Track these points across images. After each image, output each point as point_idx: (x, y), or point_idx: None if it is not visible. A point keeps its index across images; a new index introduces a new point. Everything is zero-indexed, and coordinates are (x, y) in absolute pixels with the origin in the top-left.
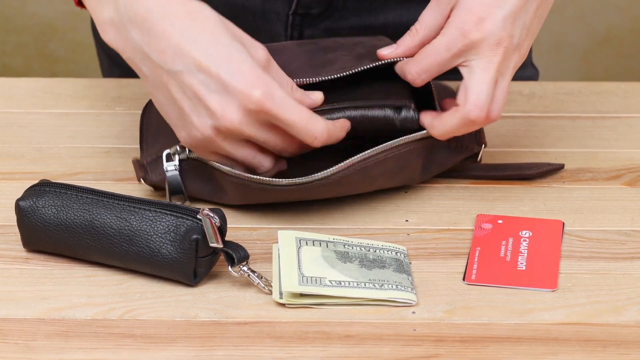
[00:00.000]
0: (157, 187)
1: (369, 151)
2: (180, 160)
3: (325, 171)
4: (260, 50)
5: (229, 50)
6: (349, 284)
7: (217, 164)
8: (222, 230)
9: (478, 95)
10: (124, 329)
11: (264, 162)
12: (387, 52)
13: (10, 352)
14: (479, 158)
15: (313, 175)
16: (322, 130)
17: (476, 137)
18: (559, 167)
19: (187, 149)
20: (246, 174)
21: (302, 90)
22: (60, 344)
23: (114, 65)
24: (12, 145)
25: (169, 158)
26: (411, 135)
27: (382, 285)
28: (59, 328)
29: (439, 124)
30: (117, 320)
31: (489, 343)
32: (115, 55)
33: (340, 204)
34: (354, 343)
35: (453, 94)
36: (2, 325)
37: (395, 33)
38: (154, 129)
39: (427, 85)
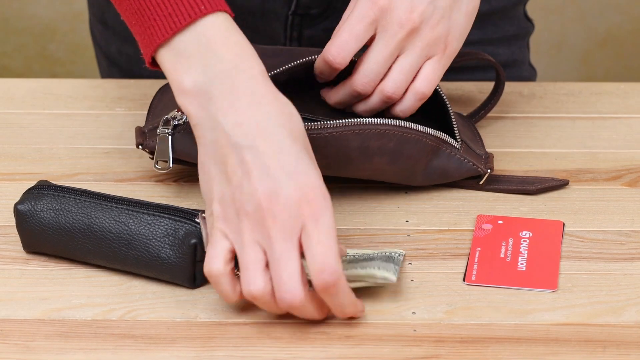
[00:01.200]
0: (154, 153)
1: (369, 118)
2: (175, 126)
3: (322, 122)
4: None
5: (299, 157)
6: None
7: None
8: None
9: (367, 67)
10: (124, 329)
11: (256, 280)
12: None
13: (10, 352)
14: (481, 182)
15: (309, 124)
16: (333, 269)
17: (485, 162)
18: (564, 184)
19: (184, 116)
20: None
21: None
22: (60, 345)
23: (113, 66)
24: (12, 145)
25: (166, 123)
26: (421, 126)
27: (364, 267)
28: (59, 329)
29: (333, 93)
30: (117, 320)
31: (489, 343)
32: (114, 57)
33: (341, 204)
34: (354, 343)
35: (468, 123)
36: (2, 325)
37: None
38: (163, 105)
39: (438, 96)
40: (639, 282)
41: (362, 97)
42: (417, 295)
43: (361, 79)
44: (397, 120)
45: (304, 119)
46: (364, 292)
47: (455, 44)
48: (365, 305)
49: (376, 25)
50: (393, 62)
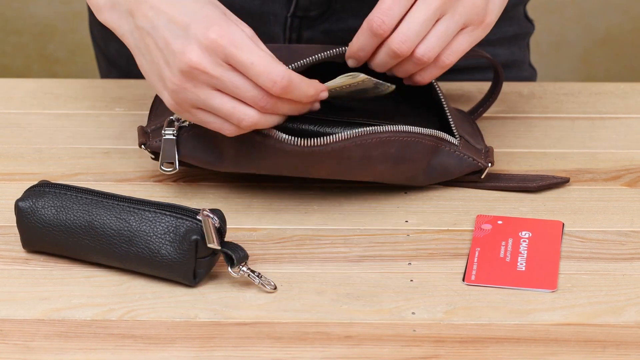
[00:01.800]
0: (157, 154)
1: (372, 127)
2: (180, 127)
3: (325, 137)
4: (245, 25)
5: (202, 7)
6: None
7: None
8: (221, 231)
9: (407, 27)
10: (124, 329)
11: (248, 111)
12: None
13: (10, 352)
14: (483, 176)
15: (313, 139)
16: (282, 74)
17: (485, 156)
18: (564, 181)
19: None
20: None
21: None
22: (60, 345)
23: (112, 67)
24: (12, 145)
25: (171, 124)
26: (418, 127)
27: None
28: (58, 329)
29: (372, 56)
30: (117, 320)
31: (489, 344)
32: (113, 57)
33: (340, 204)
34: (353, 343)
35: (467, 118)
36: (1, 325)
37: None
38: (164, 105)
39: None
40: (639, 282)
41: (400, 57)
42: (416, 295)
43: (400, 38)
44: (397, 126)
45: (307, 124)
46: (363, 291)
47: (493, 16)
48: (366, 305)
49: None
50: (432, 26)
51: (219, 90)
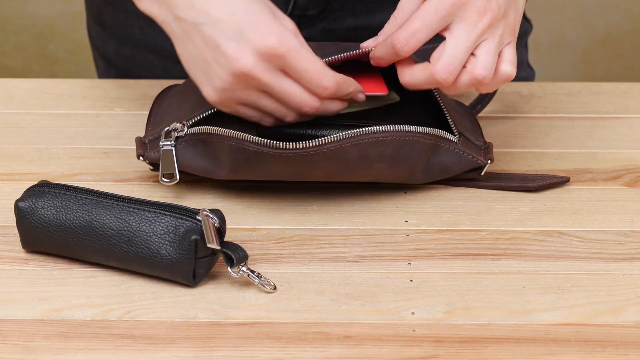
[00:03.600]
0: (155, 165)
1: (368, 128)
2: (177, 137)
3: (320, 139)
4: (289, 21)
5: (250, 6)
6: None
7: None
8: (221, 231)
9: (450, 58)
10: (123, 329)
11: (289, 113)
12: (369, 42)
13: (10, 352)
14: (482, 172)
15: (308, 142)
16: (332, 79)
17: (484, 152)
18: (564, 180)
19: (186, 127)
20: (244, 134)
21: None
22: (60, 345)
23: (110, 68)
24: (12, 145)
25: (168, 135)
26: (416, 126)
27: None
28: (58, 329)
29: (408, 73)
30: (117, 321)
31: (489, 344)
32: (111, 58)
33: (340, 204)
34: (353, 344)
35: (467, 112)
36: (1, 326)
37: None
38: (162, 112)
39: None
40: (638, 282)
41: (441, 85)
42: (416, 295)
43: (446, 67)
44: (393, 126)
45: (305, 128)
46: (363, 291)
47: (518, 29)
48: (366, 305)
49: (450, 19)
50: (474, 50)
51: (267, 92)
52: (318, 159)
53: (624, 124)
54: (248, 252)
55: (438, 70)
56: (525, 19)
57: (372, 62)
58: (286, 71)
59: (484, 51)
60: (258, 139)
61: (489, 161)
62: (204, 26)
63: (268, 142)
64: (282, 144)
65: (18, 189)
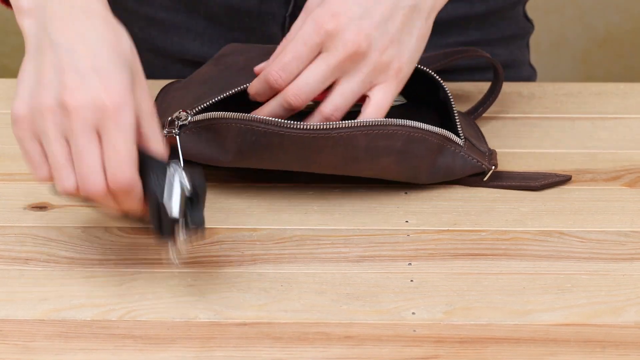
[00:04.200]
0: None
1: (379, 119)
2: (181, 126)
3: (331, 123)
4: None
5: (110, 55)
6: None
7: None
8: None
9: (302, 79)
10: (124, 329)
11: (68, 177)
12: (260, 66)
13: (10, 353)
14: (485, 178)
15: (318, 124)
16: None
17: (489, 158)
18: (566, 179)
19: (190, 115)
20: (253, 115)
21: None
22: (60, 345)
23: None
24: (12, 146)
25: (172, 124)
26: (425, 124)
27: None
28: (58, 329)
29: (265, 105)
30: (117, 321)
31: (489, 344)
32: None
33: (341, 204)
34: (353, 344)
35: (470, 121)
36: (1, 326)
37: None
38: (166, 104)
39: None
40: (639, 282)
41: (294, 109)
42: (416, 295)
43: (294, 90)
44: (405, 121)
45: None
46: (363, 291)
47: (406, 69)
48: (366, 305)
49: (319, 49)
50: (334, 84)
51: (67, 142)
52: (327, 143)
53: (624, 124)
54: (248, 252)
55: (287, 91)
56: (526, 19)
57: (250, 98)
58: (100, 133)
59: (338, 88)
60: (267, 119)
61: (494, 167)
62: (60, 48)
63: (278, 122)
64: (293, 123)
65: (18, 189)
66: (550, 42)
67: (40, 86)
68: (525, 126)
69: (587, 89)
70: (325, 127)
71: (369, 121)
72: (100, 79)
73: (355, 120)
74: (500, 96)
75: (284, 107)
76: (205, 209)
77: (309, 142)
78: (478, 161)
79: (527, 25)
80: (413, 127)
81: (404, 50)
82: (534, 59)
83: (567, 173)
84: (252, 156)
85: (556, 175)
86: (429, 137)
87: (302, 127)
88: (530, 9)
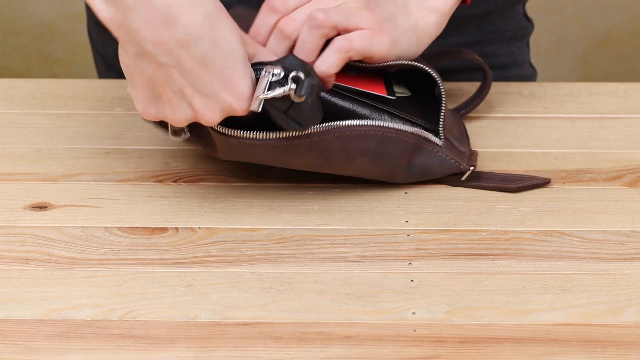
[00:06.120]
0: (163, 124)
1: (349, 121)
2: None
3: (302, 128)
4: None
5: (225, 58)
6: None
7: None
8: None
9: (298, 12)
10: (124, 329)
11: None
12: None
13: (10, 353)
14: (463, 178)
15: (291, 132)
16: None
17: (468, 159)
18: (545, 182)
19: None
20: (223, 127)
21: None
22: (60, 345)
23: (110, 69)
24: (12, 146)
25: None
26: (401, 124)
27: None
28: (59, 329)
29: None
30: (117, 321)
31: (489, 344)
32: (111, 60)
33: (341, 204)
34: (353, 344)
35: (458, 121)
36: (1, 326)
37: None
38: None
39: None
40: (639, 282)
41: (287, 37)
42: (417, 295)
43: (286, 17)
44: (377, 121)
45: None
46: (363, 291)
47: (396, 32)
48: (366, 305)
49: None
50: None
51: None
52: (301, 149)
53: (625, 124)
54: (248, 252)
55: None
56: (526, 19)
57: (250, 32)
58: None
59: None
60: (241, 132)
61: (472, 167)
62: (171, 69)
63: (250, 135)
64: (265, 134)
65: (18, 189)
66: (550, 42)
67: (163, 103)
68: (526, 126)
69: (587, 89)
70: (297, 134)
71: (340, 123)
72: (227, 96)
73: (327, 124)
74: (500, 96)
75: (278, 38)
76: (214, 203)
77: (282, 149)
78: (456, 161)
79: (528, 25)
80: (386, 127)
81: (404, 24)
82: (534, 59)
83: (568, 172)
84: (232, 155)
85: (535, 178)
86: (403, 137)
87: (274, 137)
88: (530, 9)
